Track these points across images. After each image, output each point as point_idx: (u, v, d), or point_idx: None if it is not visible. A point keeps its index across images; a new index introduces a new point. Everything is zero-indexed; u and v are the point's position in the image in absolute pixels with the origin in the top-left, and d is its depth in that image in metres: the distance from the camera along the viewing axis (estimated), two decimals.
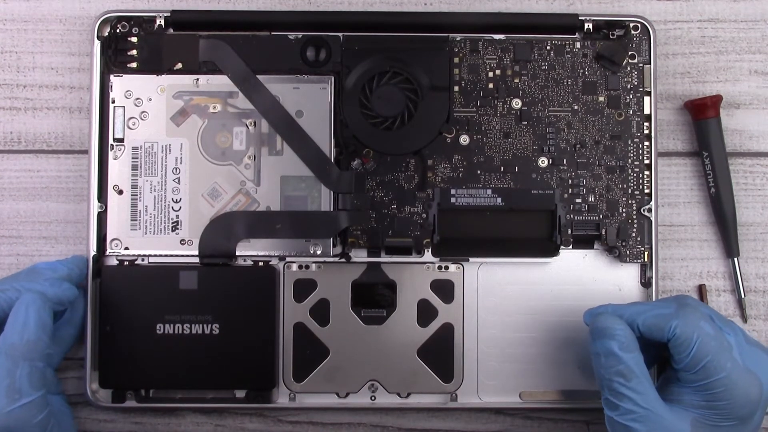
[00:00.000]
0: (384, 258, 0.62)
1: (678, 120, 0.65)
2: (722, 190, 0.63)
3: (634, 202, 0.62)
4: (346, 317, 0.62)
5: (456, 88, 0.62)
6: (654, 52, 0.62)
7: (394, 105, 0.62)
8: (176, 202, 0.61)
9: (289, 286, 0.62)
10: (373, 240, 0.61)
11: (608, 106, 0.62)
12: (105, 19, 0.62)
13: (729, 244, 0.63)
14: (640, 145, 0.62)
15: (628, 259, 0.62)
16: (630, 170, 0.62)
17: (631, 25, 0.62)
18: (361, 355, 0.62)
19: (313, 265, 0.62)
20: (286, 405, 0.62)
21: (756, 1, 0.65)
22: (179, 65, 0.62)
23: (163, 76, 0.62)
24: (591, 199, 0.62)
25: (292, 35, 0.62)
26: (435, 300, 0.62)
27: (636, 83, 0.62)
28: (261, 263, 0.62)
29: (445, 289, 0.62)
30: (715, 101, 0.63)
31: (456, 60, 0.62)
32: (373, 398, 0.62)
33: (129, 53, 0.62)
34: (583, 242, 0.62)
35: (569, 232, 0.62)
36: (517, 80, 0.62)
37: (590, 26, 0.62)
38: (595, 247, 0.62)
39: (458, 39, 0.62)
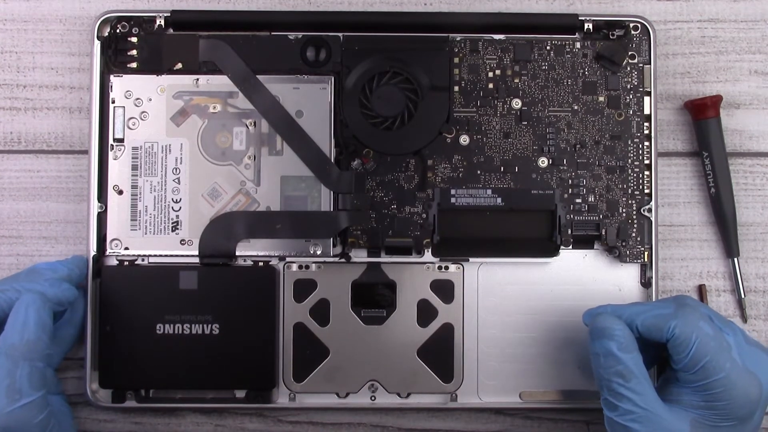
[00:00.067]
0: (384, 258, 0.62)
1: (678, 120, 0.65)
2: (722, 190, 0.63)
3: (634, 202, 0.62)
4: (346, 317, 0.62)
5: (456, 88, 0.62)
6: (654, 52, 0.62)
7: (394, 105, 0.62)
8: (176, 202, 0.61)
9: (289, 286, 0.62)
10: (373, 240, 0.61)
11: (608, 106, 0.62)
12: (105, 19, 0.62)
13: (729, 244, 0.63)
14: (640, 145, 0.62)
15: (628, 259, 0.62)
16: (630, 170, 0.62)
17: (631, 25, 0.62)
18: (361, 355, 0.62)
19: (313, 265, 0.62)
20: (286, 405, 0.62)
21: (756, 1, 0.65)
22: (179, 65, 0.62)
23: (163, 76, 0.62)
24: (591, 199, 0.62)
25: (292, 35, 0.62)
26: (435, 300, 0.62)
27: (636, 83, 0.62)
28: (261, 263, 0.62)
29: (445, 289, 0.62)
30: (715, 101, 0.63)
31: (456, 60, 0.62)
32: (373, 398, 0.62)
33: (129, 53, 0.62)
34: (583, 242, 0.62)
35: (569, 232, 0.62)
36: (517, 80, 0.62)
37: (590, 26, 0.62)
38: (595, 247, 0.62)
39: (458, 39, 0.62)
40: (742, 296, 0.63)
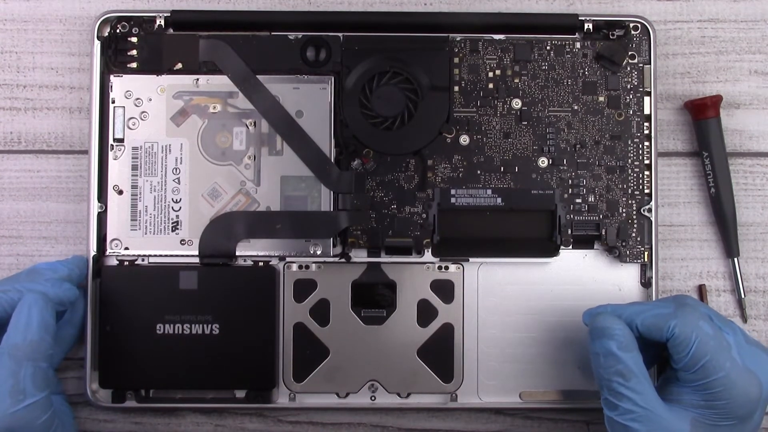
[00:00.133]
0: (384, 258, 0.62)
1: (678, 120, 0.65)
2: (722, 190, 0.63)
3: (634, 202, 0.62)
4: (346, 317, 0.62)
5: (456, 88, 0.62)
6: (654, 52, 0.62)
7: (394, 105, 0.62)
8: (176, 202, 0.61)
9: (289, 286, 0.62)
10: (373, 240, 0.61)
11: (608, 106, 0.62)
12: (105, 19, 0.62)
13: (729, 244, 0.63)
14: (640, 145, 0.62)
15: (628, 259, 0.62)
16: (630, 170, 0.62)
17: (631, 25, 0.62)
18: (361, 355, 0.62)
19: (313, 265, 0.62)
20: (286, 405, 0.62)
21: (756, 1, 0.65)
22: (179, 65, 0.62)
23: (163, 76, 0.62)
24: (591, 199, 0.62)
25: (292, 35, 0.62)
26: (435, 300, 0.62)
27: (636, 83, 0.62)
28: (261, 263, 0.62)
29: (445, 289, 0.62)
30: (715, 101, 0.63)
31: (456, 60, 0.62)
32: (373, 398, 0.62)
33: (129, 53, 0.62)
34: (583, 242, 0.62)
35: (569, 232, 0.62)
36: (517, 80, 0.62)
37: (590, 26, 0.62)
38: (595, 247, 0.62)
39: (458, 39, 0.62)
40: (742, 296, 0.63)
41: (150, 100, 0.62)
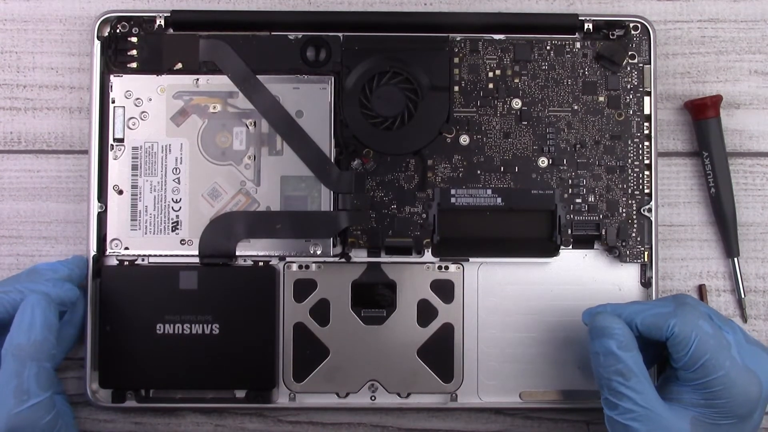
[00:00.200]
0: (384, 258, 0.62)
1: (678, 120, 0.65)
2: (722, 190, 0.63)
3: (634, 202, 0.62)
4: (346, 317, 0.62)
5: (456, 88, 0.62)
6: (654, 52, 0.62)
7: (394, 105, 0.62)
8: (176, 202, 0.61)
9: (289, 286, 0.62)
10: (373, 240, 0.61)
11: (608, 106, 0.62)
12: (105, 19, 0.62)
13: (729, 244, 0.63)
14: (640, 145, 0.62)
15: (628, 259, 0.62)
16: (630, 170, 0.62)
17: (631, 25, 0.62)
18: (361, 355, 0.62)
19: (313, 265, 0.62)
20: (286, 405, 0.62)
21: (756, 1, 0.65)
22: (179, 65, 0.62)
23: (163, 76, 0.62)
24: (591, 199, 0.62)
25: (292, 35, 0.62)
26: (435, 300, 0.62)
27: (636, 83, 0.62)
28: (261, 263, 0.62)
29: (445, 289, 0.62)
30: (715, 101, 0.63)
31: (456, 60, 0.62)
32: (373, 398, 0.62)
33: (129, 53, 0.62)
34: (583, 242, 0.62)
35: (569, 232, 0.62)
36: (517, 80, 0.62)
37: (590, 26, 0.62)
38: (595, 247, 0.62)
39: (458, 39, 0.62)
40: (742, 296, 0.63)
41: (150, 100, 0.62)
